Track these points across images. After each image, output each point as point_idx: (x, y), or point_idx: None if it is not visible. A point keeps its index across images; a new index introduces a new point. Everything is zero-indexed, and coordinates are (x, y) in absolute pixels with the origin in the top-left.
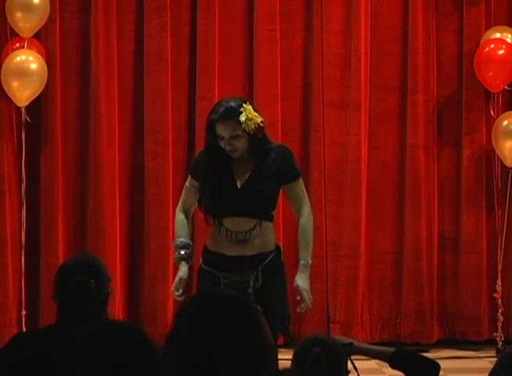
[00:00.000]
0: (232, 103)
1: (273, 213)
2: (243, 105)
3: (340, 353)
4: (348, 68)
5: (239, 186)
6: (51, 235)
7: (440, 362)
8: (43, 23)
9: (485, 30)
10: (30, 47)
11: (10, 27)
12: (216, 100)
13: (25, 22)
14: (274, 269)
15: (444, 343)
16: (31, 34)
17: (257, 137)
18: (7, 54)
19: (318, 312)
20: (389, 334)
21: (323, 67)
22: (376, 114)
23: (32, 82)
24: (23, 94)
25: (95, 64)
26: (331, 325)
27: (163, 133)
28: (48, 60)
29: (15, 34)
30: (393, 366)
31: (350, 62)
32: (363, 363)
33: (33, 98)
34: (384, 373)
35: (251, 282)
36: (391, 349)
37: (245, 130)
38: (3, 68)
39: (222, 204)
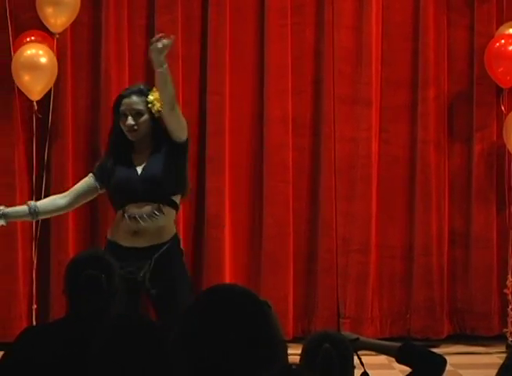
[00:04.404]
0: (142, 85)
1: (176, 200)
2: (153, 89)
3: (349, 349)
4: (359, 63)
5: (139, 173)
6: (61, 230)
7: (450, 357)
8: (73, 19)
9: (497, 26)
10: (42, 41)
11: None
12: (227, 95)
13: (56, 17)
14: (171, 257)
15: (454, 338)
16: (62, 30)
17: (158, 124)
18: (18, 47)
19: (328, 308)
20: (399, 330)
21: (334, 62)
22: (387, 110)
23: (43, 76)
24: (34, 88)
25: (105, 59)
26: (341, 320)
27: None
28: (59, 54)
29: (25, 29)
30: (400, 361)
31: (361, 57)
32: (373, 359)
33: (45, 92)
34: (393, 368)
35: (142, 272)
36: (398, 344)
37: (150, 111)
38: (13, 62)
39: (125, 191)
